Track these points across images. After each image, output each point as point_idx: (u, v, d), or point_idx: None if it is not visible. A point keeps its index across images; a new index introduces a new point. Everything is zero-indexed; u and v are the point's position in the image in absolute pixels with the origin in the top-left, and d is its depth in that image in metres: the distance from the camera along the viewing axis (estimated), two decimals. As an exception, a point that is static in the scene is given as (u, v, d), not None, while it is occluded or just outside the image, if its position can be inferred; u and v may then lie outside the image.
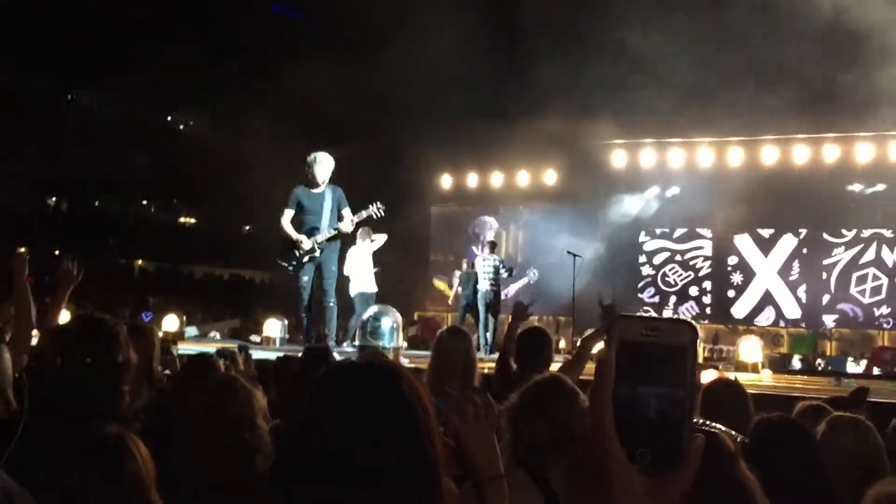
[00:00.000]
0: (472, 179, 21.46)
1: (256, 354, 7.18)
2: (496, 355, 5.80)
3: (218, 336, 16.03)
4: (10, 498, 1.62)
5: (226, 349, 5.45)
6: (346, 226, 9.55)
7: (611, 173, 19.70)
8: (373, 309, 9.34)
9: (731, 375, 5.62)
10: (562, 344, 16.62)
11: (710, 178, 17.99)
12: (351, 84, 19.54)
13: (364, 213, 9.77)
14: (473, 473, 1.79)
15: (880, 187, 17.55)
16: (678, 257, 19.67)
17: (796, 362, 14.97)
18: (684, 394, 0.88)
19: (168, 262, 33.36)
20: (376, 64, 18.19)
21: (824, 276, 18.38)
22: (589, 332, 6.66)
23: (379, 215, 9.90)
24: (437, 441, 1.59)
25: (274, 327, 11.87)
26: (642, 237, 19.92)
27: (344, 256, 11.10)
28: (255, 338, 12.98)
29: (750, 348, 11.49)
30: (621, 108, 16.66)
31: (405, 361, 7.98)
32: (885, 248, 18.01)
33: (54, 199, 35.31)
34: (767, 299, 18.77)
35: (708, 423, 1.80)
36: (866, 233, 18.09)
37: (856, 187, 17.80)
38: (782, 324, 18.53)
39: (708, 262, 19.46)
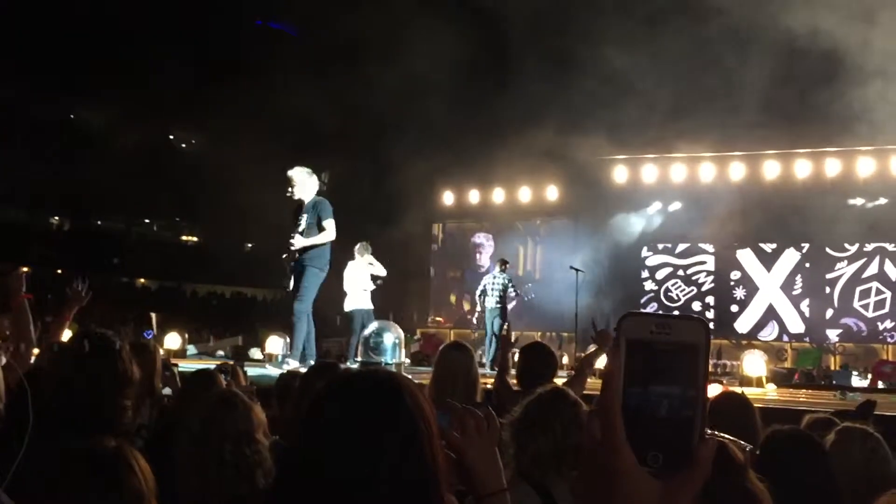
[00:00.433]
0: (473, 196, 21.46)
1: (255, 371, 7.18)
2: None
3: (222, 353, 16.01)
4: None
5: (226, 365, 5.43)
6: (298, 241, 9.22)
7: (612, 189, 19.70)
8: (374, 325, 9.34)
9: (736, 389, 5.60)
10: (564, 360, 16.58)
11: (711, 193, 18.00)
12: (351, 101, 19.59)
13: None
14: (475, 488, 1.76)
15: (882, 201, 17.53)
16: (681, 272, 19.65)
17: (801, 378, 14.91)
18: (696, 394, 0.85)
19: (170, 280, 33.38)
20: (376, 81, 18.23)
21: (827, 290, 18.34)
22: (591, 348, 6.64)
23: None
24: (440, 453, 1.58)
25: (276, 344, 11.85)
26: (644, 252, 19.91)
27: (338, 272, 10.93)
28: (257, 354, 12.97)
29: (754, 363, 11.48)
30: (621, 123, 16.69)
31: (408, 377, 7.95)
32: (888, 262, 17.98)
33: (56, 217, 35.38)
34: (771, 314, 18.73)
35: (716, 433, 1.78)
36: (869, 247, 18.07)
37: (857, 201, 17.79)
38: (786, 338, 18.48)
39: (710, 277, 19.43)
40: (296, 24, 28.04)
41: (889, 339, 17.81)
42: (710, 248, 19.33)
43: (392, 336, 8.79)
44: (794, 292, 18.61)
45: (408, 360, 10.34)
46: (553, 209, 20.42)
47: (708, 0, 12.73)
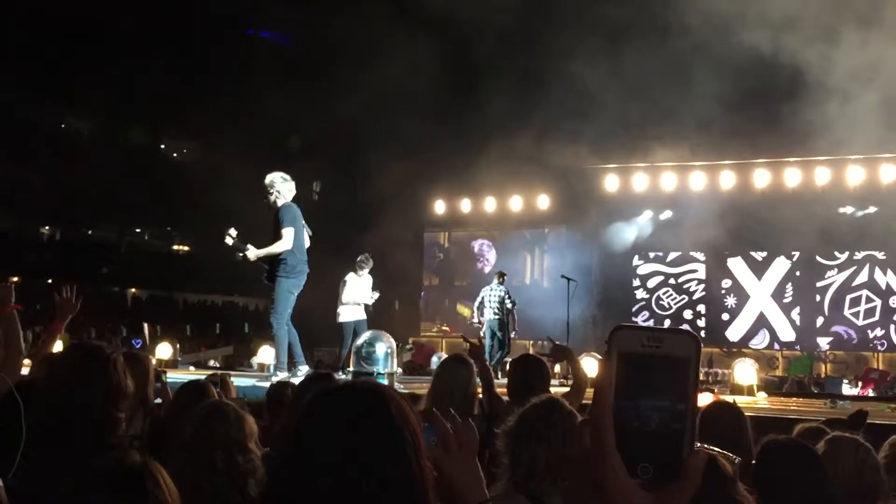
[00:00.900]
0: (465, 205, 21.45)
1: (244, 383, 7.16)
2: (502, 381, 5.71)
3: (213, 362, 15.97)
4: None
5: (215, 376, 5.43)
6: (251, 252, 9.14)
7: (604, 197, 19.72)
8: (367, 334, 9.32)
9: (727, 398, 5.61)
10: (556, 368, 16.57)
11: (702, 202, 18.03)
12: (340, 111, 19.60)
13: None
14: (457, 502, 1.77)
15: (871, 209, 17.61)
16: (672, 281, 19.68)
17: (792, 385, 14.95)
18: (686, 407, 0.86)
19: (161, 289, 33.28)
20: (364, 90, 18.25)
21: (818, 298, 18.40)
22: (583, 359, 6.64)
23: (229, 242, 9.43)
24: (427, 464, 1.58)
25: (268, 354, 11.84)
26: (636, 261, 19.94)
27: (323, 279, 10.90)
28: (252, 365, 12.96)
29: (745, 371, 11.52)
30: (610, 132, 16.75)
31: (400, 387, 7.94)
32: (877, 271, 18.05)
33: (47, 227, 35.25)
34: (762, 322, 18.77)
35: (704, 446, 1.79)
36: (859, 255, 18.14)
37: (847, 210, 17.86)
38: (777, 346, 18.52)
39: (702, 286, 19.46)
40: (286, 33, 28.08)
41: (879, 347, 17.86)
42: (701, 256, 19.37)
43: (384, 346, 8.77)
44: (785, 300, 18.66)
45: (400, 370, 10.33)
46: (544, 218, 20.42)
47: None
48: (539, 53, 17.09)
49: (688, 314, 19.41)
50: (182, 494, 2.62)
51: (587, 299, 17.46)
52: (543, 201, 20.45)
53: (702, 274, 19.46)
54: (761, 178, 18.42)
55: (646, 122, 16.20)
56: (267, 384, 6.69)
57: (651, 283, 19.83)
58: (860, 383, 14.75)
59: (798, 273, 18.58)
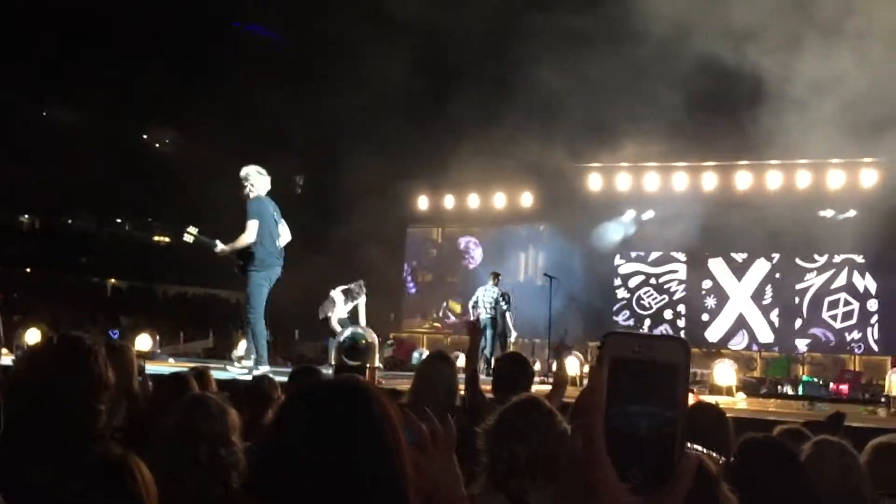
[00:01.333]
0: (448, 201, 21.46)
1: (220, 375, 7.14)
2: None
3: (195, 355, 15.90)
4: None
5: (197, 368, 5.41)
6: (219, 246, 9.19)
7: (587, 196, 19.79)
8: (349, 330, 9.33)
9: (707, 399, 5.65)
10: (537, 366, 16.61)
11: (684, 203, 18.11)
12: (325, 106, 19.55)
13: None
14: (435, 500, 1.75)
15: (851, 213, 17.75)
16: (653, 280, 19.77)
17: (769, 386, 15.07)
18: (676, 412, 0.86)
19: (141, 280, 33.06)
20: (349, 87, 18.23)
21: (797, 300, 18.54)
22: (566, 356, 6.66)
23: (189, 239, 9.49)
24: (407, 460, 1.58)
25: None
26: (617, 260, 20.02)
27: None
28: (234, 358, 12.92)
29: (724, 372, 11.58)
30: (596, 132, 16.79)
31: (381, 382, 7.95)
32: (856, 274, 18.20)
33: (26, 216, 34.95)
34: (741, 323, 18.90)
35: (694, 446, 1.81)
36: (838, 258, 18.29)
37: (827, 213, 18.00)
38: (755, 348, 18.65)
39: (682, 286, 19.57)
40: (271, 28, 27.95)
41: (856, 350, 18.03)
42: (682, 256, 19.48)
43: (366, 341, 8.78)
44: (764, 302, 18.80)
45: (381, 366, 10.33)
46: (527, 215, 20.44)
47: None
48: (514, 56, 17.13)
49: (668, 314, 19.50)
50: (164, 487, 2.61)
51: (568, 297, 17.47)
52: (527, 199, 20.49)
53: (682, 274, 19.57)
54: (743, 180, 18.55)
55: (627, 121, 16.22)
56: (248, 378, 6.67)
57: (632, 283, 19.91)
58: (833, 385, 14.89)
59: (777, 275, 18.72)
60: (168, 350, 16.31)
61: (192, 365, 7.96)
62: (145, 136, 36.41)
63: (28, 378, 2.47)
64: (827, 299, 18.35)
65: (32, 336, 9.38)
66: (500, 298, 15.03)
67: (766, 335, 18.70)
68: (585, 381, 1.07)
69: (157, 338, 14.10)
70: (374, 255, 18.32)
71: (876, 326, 18.01)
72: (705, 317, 19.21)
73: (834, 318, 18.29)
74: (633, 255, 19.91)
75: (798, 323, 18.46)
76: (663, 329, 19.10)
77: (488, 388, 5.02)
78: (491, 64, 18.13)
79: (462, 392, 4.99)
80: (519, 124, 16.39)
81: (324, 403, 1.60)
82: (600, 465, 0.87)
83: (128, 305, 27.50)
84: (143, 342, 12.65)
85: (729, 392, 11.06)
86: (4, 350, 8.15)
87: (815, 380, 15.05)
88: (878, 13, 12.55)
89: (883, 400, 10.44)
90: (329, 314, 12.38)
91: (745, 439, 3.06)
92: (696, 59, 13.60)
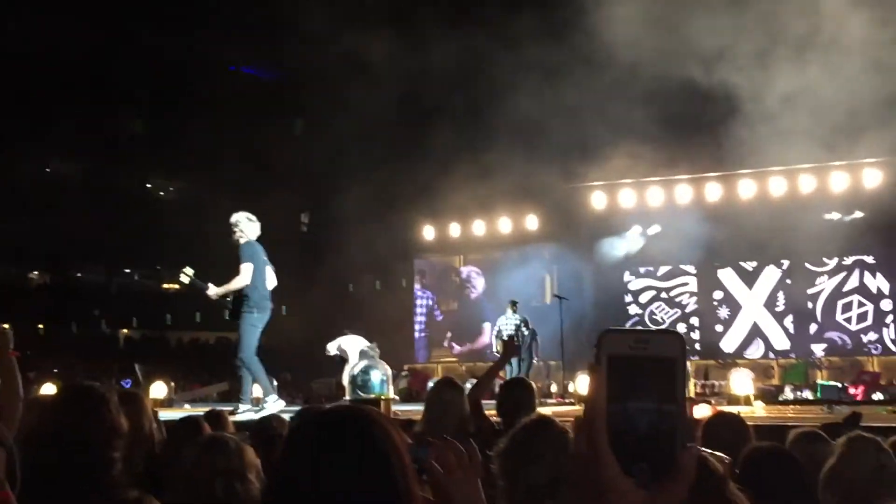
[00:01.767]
0: (454, 229, 21.49)
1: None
2: None
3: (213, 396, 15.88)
4: None
5: (212, 411, 5.41)
6: (211, 290, 9.40)
7: (591, 215, 19.79)
8: (362, 363, 9.34)
9: (725, 409, 5.62)
10: (553, 388, 16.57)
11: (689, 215, 18.09)
12: (327, 142, 19.66)
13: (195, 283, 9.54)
14: None
15: (858, 214, 17.70)
16: (664, 294, 19.72)
17: (788, 393, 14.97)
18: (676, 405, 0.87)
19: (154, 329, 33.10)
20: (351, 119, 18.33)
21: (810, 305, 18.45)
22: (579, 375, 6.66)
23: (185, 280, 9.64)
24: (414, 485, 1.59)
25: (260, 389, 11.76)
26: (627, 277, 19.97)
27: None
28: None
29: (741, 381, 11.55)
30: (597, 150, 16.84)
31: (397, 414, 7.93)
32: (867, 275, 18.12)
33: (35, 272, 35.08)
34: (755, 332, 18.80)
35: (701, 448, 1.81)
36: (848, 260, 18.21)
37: (834, 216, 17.95)
38: (772, 355, 18.53)
39: (694, 298, 19.51)
40: (267, 68, 28.20)
41: (874, 351, 17.90)
42: (691, 269, 19.44)
43: (380, 373, 8.78)
44: (777, 309, 18.71)
45: (396, 397, 10.33)
46: (533, 238, 20.42)
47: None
48: (495, 87, 17.27)
49: (682, 328, 19.40)
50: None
51: (579, 317, 17.42)
52: (532, 222, 20.50)
53: (693, 287, 19.52)
54: (746, 188, 18.53)
55: (623, 137, 16.24)
56: (256, 416, 6.67)
57: (643, 298, 19.86)
58: (852, 388, 14.80)
59: (789, 281, 18.64)
60: (184, 396, 16.30)
61: (208, 409, 7.96)
62: (149, 186, 36.61)
63: (40, 429, 2.49)
64: (840, 302, 18.25)
65: (48, 392, 9.42)
66: (522, 325, 15.03)
67: (781, 342, 18.59)
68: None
69: (173, 384, 14.10)
70: (384, 287, 18.35)
71: (892, 326, 17.88)
72: (719, 328, 19.12)
73: (848, 320, 18.18)
74: (643, 270, 19.86)
75: (813, 328, 18.35)
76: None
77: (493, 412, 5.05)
78: (467, 96, 18.28)
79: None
80: (513, 150, 16.50)
81: (326, 432, 1.61)
82: (606, 464, 0.87)
83: (142, 354, 27.52)
84: (159, 390, 12.67)
85: (747, 401, 11.01)
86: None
87: (832, 383, 14.94)
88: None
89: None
90: (336, 355, 12.28)
91: (750, 449, 3.05)
92: (682, 74, 13.68)
